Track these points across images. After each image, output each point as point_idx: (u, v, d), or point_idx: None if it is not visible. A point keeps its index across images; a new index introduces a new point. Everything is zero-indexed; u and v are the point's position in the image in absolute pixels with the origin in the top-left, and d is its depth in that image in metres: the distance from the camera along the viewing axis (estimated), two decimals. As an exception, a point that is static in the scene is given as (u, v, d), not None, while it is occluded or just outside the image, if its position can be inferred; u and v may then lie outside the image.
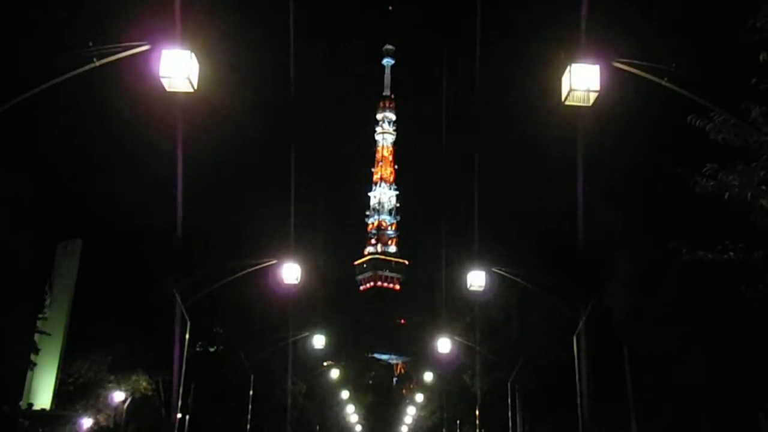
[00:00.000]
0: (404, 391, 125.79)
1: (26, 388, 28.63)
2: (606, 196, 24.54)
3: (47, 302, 29.53)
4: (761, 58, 10.93)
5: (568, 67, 11.58)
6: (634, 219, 24.05)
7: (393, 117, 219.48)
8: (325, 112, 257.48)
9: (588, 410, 24.30)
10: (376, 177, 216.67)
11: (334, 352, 79.24)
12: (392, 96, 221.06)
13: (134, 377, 33.61)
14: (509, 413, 36.79)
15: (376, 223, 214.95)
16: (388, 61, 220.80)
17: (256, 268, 27.30)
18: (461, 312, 45.06)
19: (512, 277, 27.72)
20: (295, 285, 27.69)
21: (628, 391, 27.28)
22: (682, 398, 24.99)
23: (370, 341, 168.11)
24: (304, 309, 48.05)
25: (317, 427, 69.69)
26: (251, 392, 38.46)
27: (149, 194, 30.15)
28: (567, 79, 11.60)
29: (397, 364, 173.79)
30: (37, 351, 28.04)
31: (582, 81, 11.49)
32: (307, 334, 46.05)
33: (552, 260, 29.08)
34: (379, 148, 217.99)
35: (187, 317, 24.54)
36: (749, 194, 11.41)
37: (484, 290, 27.68)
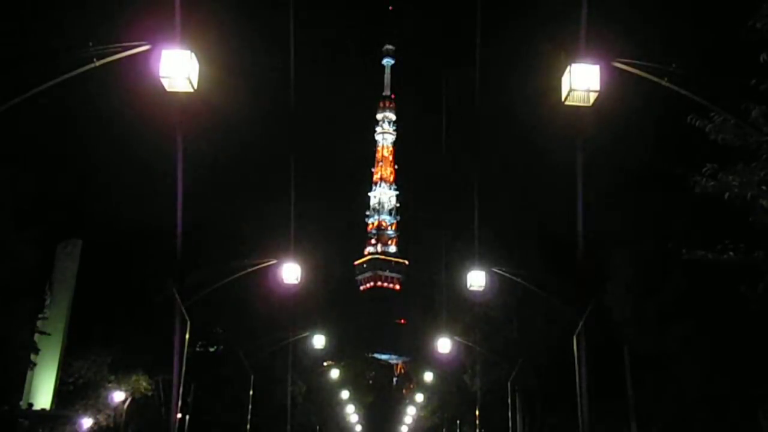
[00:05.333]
0: (404, 391, 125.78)
1: (26, 388, 28.61)
2: (606, 196, 24.54)
3: (47, 302, 29.52)
4: (761, 58, 10.94)
5: (568, 67, 11.57)
6: (634, 219, 24.05)
7: (393, 117, 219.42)
8: (326, 112, 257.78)
9: (588, 410, 24.29)
10: (376, 177, 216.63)
11: (334, 352, 79.28)
12: (392, 96, 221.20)
13: (134, 377, 33.58)
14: (509, 413, 36.79)
15: (376, 223, 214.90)
16: (388, 61, 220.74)
17: (256, 268, 27.28)
18: (461, 312, 45.04)
19: (512, 277, 27.72)
20: (295, 285, 27.69)
21: (628, 391, 27.28)
22: (682, 398, 24.99)
23: (370, 341, 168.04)
24: (304, 309, 48.08)
25: (317, 427, 69.68)
26: (251, 392, 38.45)
27: (149, 194, 30.15)
28: (567, 79, 11.59)
29: (397, 364, 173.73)
30: (37, 351, 28.02)
31: (582, 81, 11.48)
32: (307, 334, 46.06)
33: (552, 260, 29.09)
34: (379, 148, 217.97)
35: (187, 317, 24.52)
36: (749, 194, 11.42)
37: (484, 290, 27.67)
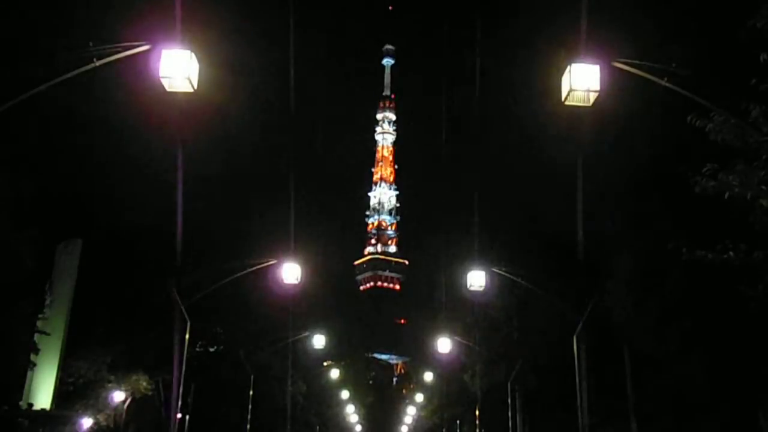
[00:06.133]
0: (404, 391, 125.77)
1: (26, 388, 28.56)
2: (606, 196, 24.54)
3: (47, 302, 29.46)
4: (761, 58, 10.94)
5: (568, 67, 11.57)
6: (634, 219, 24.04)
7: (393, 117, 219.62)
8: (326, 112, 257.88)
9: (588, 410, 24.28)
10: (376, 177, 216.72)
11: (334, 352, 79.40)
12: (392, 96, 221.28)
13: (134, 377, 33.56)
14: (509, 413, 36.78)
15: (376, 223, 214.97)
16: (388, 61, 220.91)
17: (256, 268, 27.29)
18: (461, 312, 45.05)
19: (512, 277, 27.72)
20: (295, 285, 27.69)
21: (628, 391, 27.26)
22: (682, 398, 24.98)
23: (370, 341, 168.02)
24: (304, 309, 48.14)
25: (317, 427, 69.70)
26: (251, 392, 38.46)
27: (149, 194, 30.12)
28: (567, 79, 11.59)
29: (397, 364, 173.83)
30: (37, 351, 27.99)
31: (582, 81, 11.48)
32: (307, 334, 46.11)
33: (552, 260, 29.06)
34: (379, 148, 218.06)
35: (187, 317, 24.53)
36: (749, 194, 11.42)
37: (484, 290, 27.68)
